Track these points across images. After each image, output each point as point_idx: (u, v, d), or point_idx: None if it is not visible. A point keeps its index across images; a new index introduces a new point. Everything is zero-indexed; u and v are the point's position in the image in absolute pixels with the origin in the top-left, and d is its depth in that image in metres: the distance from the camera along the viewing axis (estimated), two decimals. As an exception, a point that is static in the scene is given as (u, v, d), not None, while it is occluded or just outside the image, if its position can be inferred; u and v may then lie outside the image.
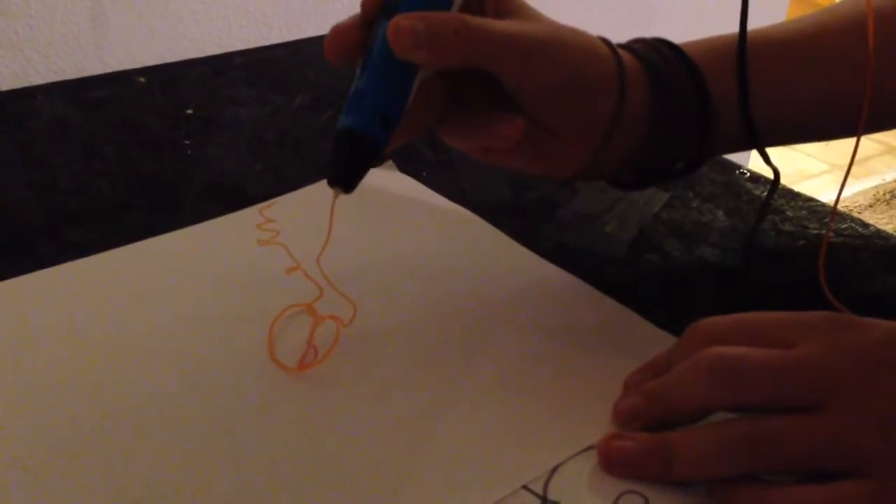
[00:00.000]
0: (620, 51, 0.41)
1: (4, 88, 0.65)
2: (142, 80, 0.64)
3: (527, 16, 0.39)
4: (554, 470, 0.32)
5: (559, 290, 0.43)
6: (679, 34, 0.45)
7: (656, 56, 0.42)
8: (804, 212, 0.51)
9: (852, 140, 0.44)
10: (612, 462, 0.32)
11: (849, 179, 0.46)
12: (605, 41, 0.41)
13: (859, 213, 1.88)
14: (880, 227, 0.50)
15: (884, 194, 2.08)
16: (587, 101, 0.38)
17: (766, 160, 0.45)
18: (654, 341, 0.39)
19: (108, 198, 0.49)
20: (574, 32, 0.39)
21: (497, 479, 0.32)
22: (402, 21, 0.34)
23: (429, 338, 0.39)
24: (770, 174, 0.48)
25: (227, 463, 0.32)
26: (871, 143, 2.25)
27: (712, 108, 0.42)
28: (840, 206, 0.48)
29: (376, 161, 0.35)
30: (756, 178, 0.54)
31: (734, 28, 0.44)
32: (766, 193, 0.52)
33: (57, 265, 0.42)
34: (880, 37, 0.42)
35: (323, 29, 0.37)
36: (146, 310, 0.40)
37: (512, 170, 0.41)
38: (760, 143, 0.44)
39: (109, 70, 0.69)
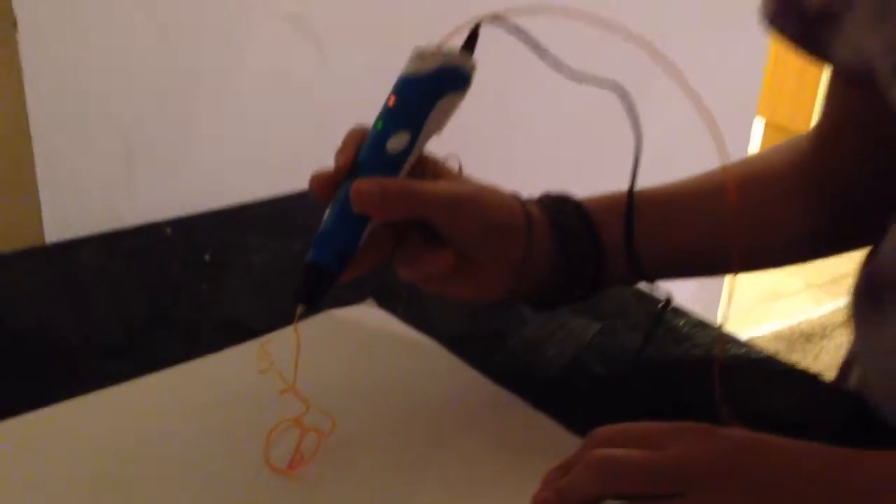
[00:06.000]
0: (530, 204, 0.53)
1: (50, 240, 0.77)
2: (168, 230, 0.76)
3: (455, 178, 0.51)
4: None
5: (502, 409, 0.53)
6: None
7: (558, 209, 0.54)
8: (709, 339, 0.61)
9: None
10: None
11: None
12: (517, 197, 0.53)
13: (833, 329, 1.96)
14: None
15: (861, 311, 2.16)
16: (500, 244, 0.51)
17: (654, 287, 0.57)
18: (575, 448, 0.48)
19: (138, 333, 0.60)
20: (491, 191, 0.52)
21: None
22: (363, 185, 0.46)
23: (392, 448, 0.49)
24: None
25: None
26: (847, 262, 2.35)
27: (602, 251, 0.54)
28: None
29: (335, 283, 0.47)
30: (678, 311, 0.64)
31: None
32: (682, 322, 0.63)
33: (94, 391, 0.53)
34: (756, 195, 0.54)
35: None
36: (165, 428, 0.50)
37: (452, 296, 0.53)
38: (646, 279, 0.56)
39: (140, 218, 0.81)
